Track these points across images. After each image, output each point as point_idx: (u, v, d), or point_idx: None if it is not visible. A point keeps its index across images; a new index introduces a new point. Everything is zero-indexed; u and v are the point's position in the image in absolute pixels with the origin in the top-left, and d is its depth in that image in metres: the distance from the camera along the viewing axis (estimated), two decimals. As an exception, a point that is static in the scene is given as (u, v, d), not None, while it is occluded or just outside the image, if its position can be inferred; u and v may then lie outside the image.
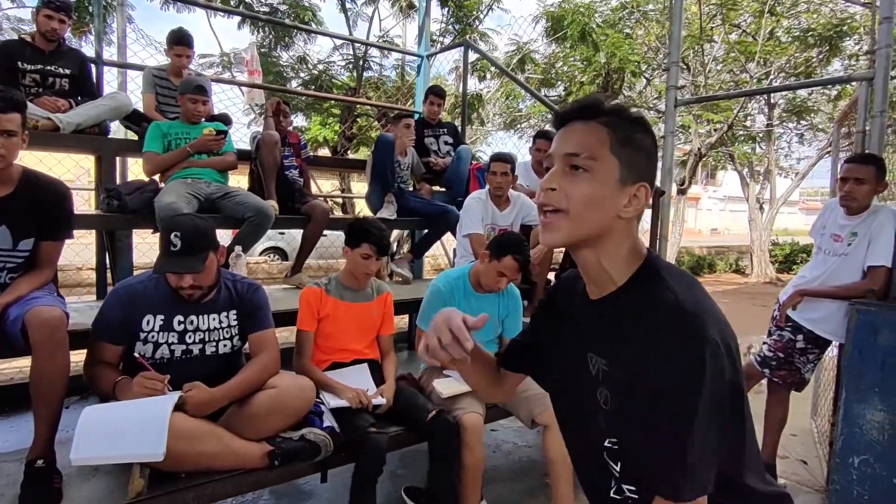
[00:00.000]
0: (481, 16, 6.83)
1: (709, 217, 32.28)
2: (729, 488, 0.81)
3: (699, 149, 10.27)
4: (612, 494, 0.88)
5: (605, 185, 0.82)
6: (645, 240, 3.17)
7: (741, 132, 12.34)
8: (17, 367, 3.50)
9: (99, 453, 1.54)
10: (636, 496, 0.85)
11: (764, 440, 2.69)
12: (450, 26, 6.77)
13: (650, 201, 0.87)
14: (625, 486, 0.86)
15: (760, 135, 12.68)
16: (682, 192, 10.57)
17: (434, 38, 6.45)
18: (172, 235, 1.73)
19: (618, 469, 0.87)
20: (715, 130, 10.44)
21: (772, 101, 11.60)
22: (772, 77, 9.99)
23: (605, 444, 0.87)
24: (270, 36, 5.86)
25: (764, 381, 2.74)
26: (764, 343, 2.72)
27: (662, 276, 0.83)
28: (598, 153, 0.81)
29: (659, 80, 10.16)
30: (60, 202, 1.89)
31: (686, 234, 13.97)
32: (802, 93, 11.23)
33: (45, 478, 1.62)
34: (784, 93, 11.26)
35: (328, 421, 1.97)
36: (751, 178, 13.67)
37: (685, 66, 10.27)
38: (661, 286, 0.81)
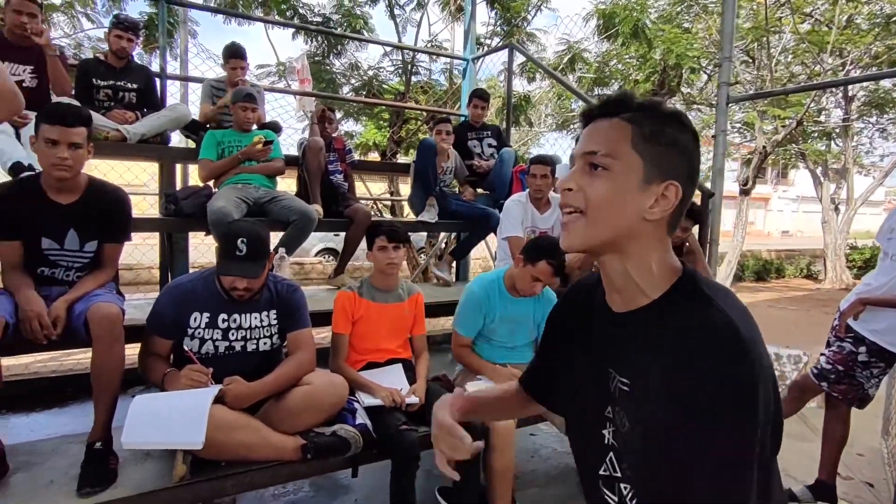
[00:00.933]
0: (529, 16, 6.77)
1: (779, 218, 30.39)
2: None
3: (764, 146, 9.70)
4: None
5: (626, 183, 0.75)
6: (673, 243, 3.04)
7: (814, 128, 11.55)
8: (77, 359, 3.82)
9: (145, 439, 1.68)
10: None
11: (822, 459, 2.52)
12: (497, 28, 6.76)
13: (682, 198, 0.76)
14: None
15: (836, 130, 11.82)
16: (745, 192, 10.03)
17: (481, 40, 6.46)
18: (239, 241, 1.85)
19: (623, 495, 0.80)
20: (782, 127, 9.83)
21: (850, 93, 10.80)
22: (848, 68, 9.30)
23: (608, 464, 0.82)
24: (323, 45, 6.09)
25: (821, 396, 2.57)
26: (822, 354, 2.55)
27: (708, 293, 0.73)
28: (617, 150, 0.76)
29: (721, 76, 9.69)
30: (121, 207, 2.06)
31: (754, 237, 13.27)
32: (886, 84, 10.38)
33: (102, 459, 1.77)
34: (865, 85, 10.47)
35: (361, 418, 2.03)
36: (825, 177, 12.77)
37: (750, 60, 9.73)
38: (709, 305, 0.71)
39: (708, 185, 3.34)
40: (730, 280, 9.89)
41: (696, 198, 3.45)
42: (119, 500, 1.69)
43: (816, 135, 11.98)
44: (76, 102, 2.48)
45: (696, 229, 3.12)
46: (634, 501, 0.79)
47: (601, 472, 0.84)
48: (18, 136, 2.77)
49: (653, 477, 0.73)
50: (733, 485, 0.64)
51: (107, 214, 2.02)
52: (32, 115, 2.86)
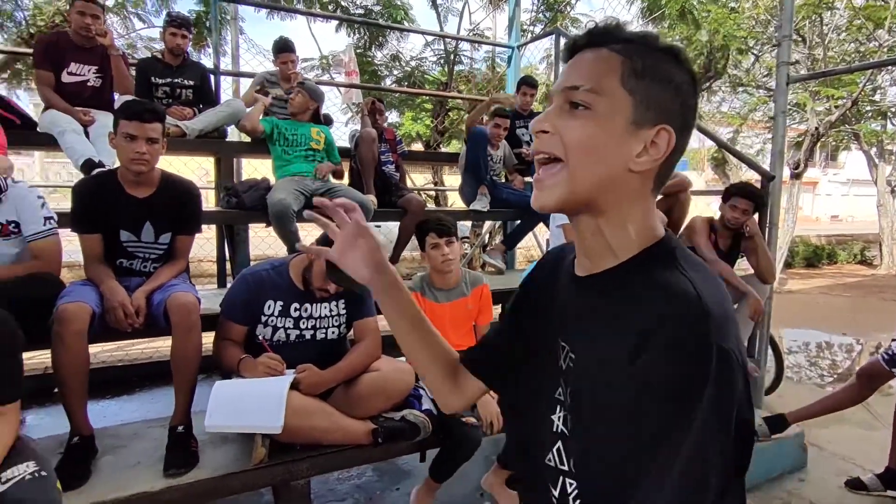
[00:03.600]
0: (573, 1, 6.64)
1: (828, 203, 29.06)
2: None
3: (817, 128, 9.28)
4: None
5: (611, 125, 0.63)
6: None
7: (869, 108, 10.97)
8: (155, 347, 3.98)
9: (228, 422, 1.74)
10: None
11: (892, 446, 2.44)
12: (540, 15, 6.65)
13: (674, 149, 0.65)
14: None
15: (893, 109, 11.19)
16: (796, 175, 9.63)
17: (524, 27, 6.37)
18: None
19: (566, 493, 0.68)
20: (836, 107, 9.37)
21: (909, 70, 10.19)
22: (908, 43, 8.76)
23: (555, 454, 0.71)
24: (365, 37, 6.12)
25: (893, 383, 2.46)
26: (894, 339, 2.45)
27: (679, 260, 0.64)
28: (603, 86, 0.63)
29: (770, 56, 9.29)
30: (193, 200, 2.13)
31: (802, 222, 12.73)
32: (950, 59, 9.73)
33: (185, 442, 1.84)
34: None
35: (427, 404, 2.05)
36: (880, 159, 12.13)
37: (800, 39, 9.29)
38: (676, 272, 0.62)
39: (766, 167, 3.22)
40: (780, 266, 9.55)
41: (757, 182, 3.34)
42: (202, 480, 1.76)
43: (871, 114, 11.37)
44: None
45: (756, 215, 3.02)
46: (578, 502, 0.67)
47: (546, 462, 0.72)
48: (87, 135, 2.88)
49: (598, 469, 0.63)
50: (689, 473, 0.55)
51: (180, 207, 2.09)
52: (97, 113, 3.00)
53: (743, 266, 3.33)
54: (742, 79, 9.50)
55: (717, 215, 3.11)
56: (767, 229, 3.13)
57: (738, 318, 2.93)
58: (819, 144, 10.57)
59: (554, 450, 0.71)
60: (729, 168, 11.90)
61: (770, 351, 3.24)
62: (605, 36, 0.66)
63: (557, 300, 0.76)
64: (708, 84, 9.04)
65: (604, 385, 0.61)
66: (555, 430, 0.71)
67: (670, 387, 0.55)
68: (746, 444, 0.61)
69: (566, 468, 0.69)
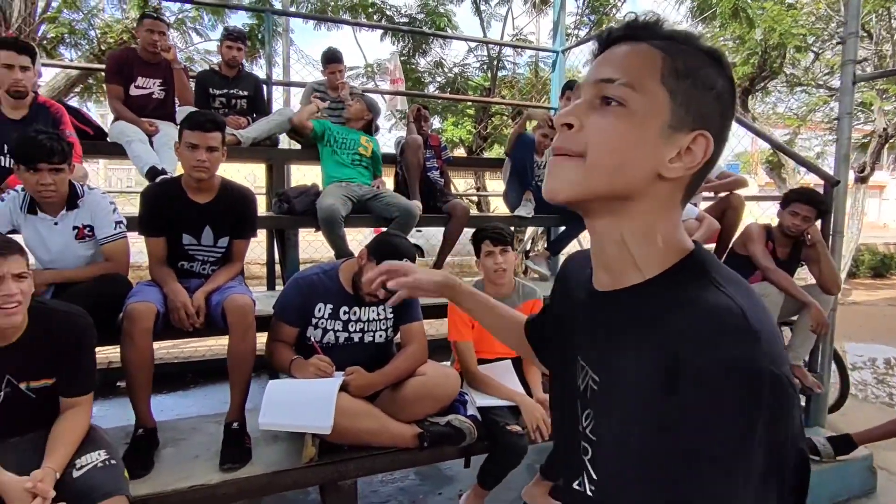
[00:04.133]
0: (619, 3, 6.54)
1: (896, 209, 27.30)
2: None
3: (885, 129, 8.74)
4: None
5: (646, 126, 0.57)
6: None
7: (943, 107, 10.25)
8: (208, 346, 4.16)
9: (280, 421, 1.80)
10: None
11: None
12: (584, 18, 6.58)
13: (710, 162, 0.60)
14: None
15: (971, 108, 10.41)
16: (862, 179, 9.10)
17: (568, 31, 6.32)
18: (403, 260, 1.94)
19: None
20: (906, 106, 8.82)
21: None
22: None
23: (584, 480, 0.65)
24: (409, 44, 6.23)
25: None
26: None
27: (714, 275, 0.58)
28: (641, 82, 0.57)
29: (831, 53, 8.84)
30: (250, 206, 2.23)
31: (868, 229, 12.00)
32: None
33: (239, 438, 1.92)
34: None
35: (471, 410, 2.06)
36: (957, 162, 11.30)
37: (866, 34, 8.80)
38: (712, 288, 0.55)
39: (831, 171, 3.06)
40: (843, 276, 9.03)
41: (817, 186, 3.18)
42: (255, 476, 1.83)
43: (946, 114, 10.62)
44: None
45: (818, 222, 2.88)
46: None
47: (576, 487, 0.66)
48: (151, 144, 3.06)
49: (623, 489, 0.57)
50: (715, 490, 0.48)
51: (237, 212, 2.19)
52: (161, 123, 3.18)
53: (801, 275, 3.17)
54: (800, 78, 9.07)
55: (773, 222, 2.98)
56: (831, 237, 2.98)
57: (799, 330, 2.80)
58: (887, 146, 9.95)
59: (584, 475, 0.64)
60: (785, 172, 11.37)
61: (834, 366, 3.07)
62: (646, 30, 0.60)
63: (577, 315, 0.71)
64: (763, 84, 8.69)
65: (636, 421, 0.54)
66: (581, 453, 0.65)
67: (716, 422, 0.48)
68: (803, 477, 0.54)
69: (594, 500, 0.63)
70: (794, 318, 2.87)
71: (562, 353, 0.73)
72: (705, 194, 3.46)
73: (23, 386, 1.49)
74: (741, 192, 3.32)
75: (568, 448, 0.69)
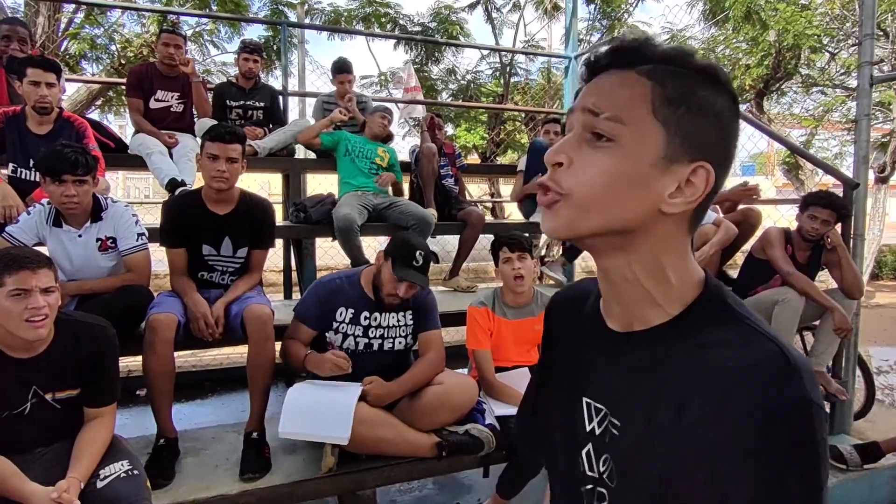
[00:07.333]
0: (630, 8, 6.53)
1: (918, 210, 26.74)
2: None
3: (905, 129, 8.59)
4: None
5: (638, 162, 0.54)
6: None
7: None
8: (226, 354, 4.19)
9: (300, 430, 1.80)
10: None
11: None
12: (597, 24, 6.58)
13: (713, 191, 0.57)
14: None
15: None
16: (882, 179, 8.93)
17: (580, 37, 6.32)
18: (417, 253, 1.98)
19: None
20: (927, 105, 8.64)
21: None
22: None
23: None
24: (422, 53, 6.27)
25: None
26: None
27: (736, 309, 0.56)
28: (629, 115, 0.54)
29: (847, 53, 8.72)
30: (268, 217, 2.26)
31: (889, 229, 11.75)
32: None
33: (259, 448, 1.94)
34: None
35: (490, 419, 2.05)
36: (981, 161, 11.04)
37: (882, 33, 8.66)
38: (742, 324, 0.55)
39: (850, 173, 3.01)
40: (866, 278, 8.84)
41: (836, 188, 3.13)
42: (275, 486, 1.84)
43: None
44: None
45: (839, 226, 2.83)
46: None
47: None
48: (171, 155, 3.11)
49: None
50: None
51: (256, 223, 2.21)
52: (180, 135, 3.23)
53: (822, 278, 3.11)
54: (816, 78, 8.95)
55: (793, 225, 2.93)
56: (852, 240, 2.93)
57: (822, 335, 2.75)
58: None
59: None
60: (803, 173, 11.20)
61: (858, 371, 3.01)
62: (632, 55, 0.56)
63: (584, 357, 0.67)
64: (777, 85, 8.59)
65: (683, 470, 0.52)
66: (594, 498, 0.63)
67: (771, 458, 0.47)
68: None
69: None
70: (816, 322, 2.82)
71: (564, 394, 0.70)
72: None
73: (48, 397, 1.52)
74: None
75: (573, 494, 0.66)
